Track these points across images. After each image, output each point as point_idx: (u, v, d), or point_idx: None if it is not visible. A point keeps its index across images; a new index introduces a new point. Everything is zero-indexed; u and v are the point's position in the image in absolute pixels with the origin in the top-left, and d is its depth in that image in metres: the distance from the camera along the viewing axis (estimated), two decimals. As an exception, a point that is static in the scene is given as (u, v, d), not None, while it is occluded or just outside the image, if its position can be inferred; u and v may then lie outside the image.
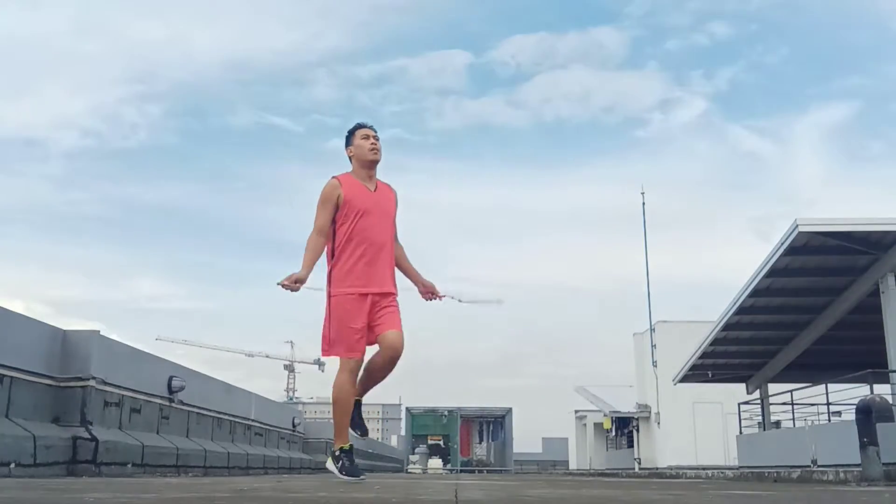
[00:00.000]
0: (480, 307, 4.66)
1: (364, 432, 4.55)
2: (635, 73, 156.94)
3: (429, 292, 4.66)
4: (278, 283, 4.18)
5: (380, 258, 4.39)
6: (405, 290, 4.60)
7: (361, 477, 4.36)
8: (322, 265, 4.41)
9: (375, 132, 4.54)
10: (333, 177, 4.45)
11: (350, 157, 4.54)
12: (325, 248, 4.43)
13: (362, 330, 4.30)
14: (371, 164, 4.50)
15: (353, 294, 4.30)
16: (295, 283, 4.20)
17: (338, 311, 4.31)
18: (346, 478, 4.27)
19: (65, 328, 7.55)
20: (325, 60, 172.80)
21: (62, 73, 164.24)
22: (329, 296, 4.37)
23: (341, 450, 4.38)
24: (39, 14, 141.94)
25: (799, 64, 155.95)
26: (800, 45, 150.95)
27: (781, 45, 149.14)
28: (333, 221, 4.38)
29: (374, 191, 4.49)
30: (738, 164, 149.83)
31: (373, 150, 4.47)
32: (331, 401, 4.44)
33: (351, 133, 4.57)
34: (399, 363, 4.40)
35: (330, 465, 4.45)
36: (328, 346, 4.35)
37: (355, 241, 4.34)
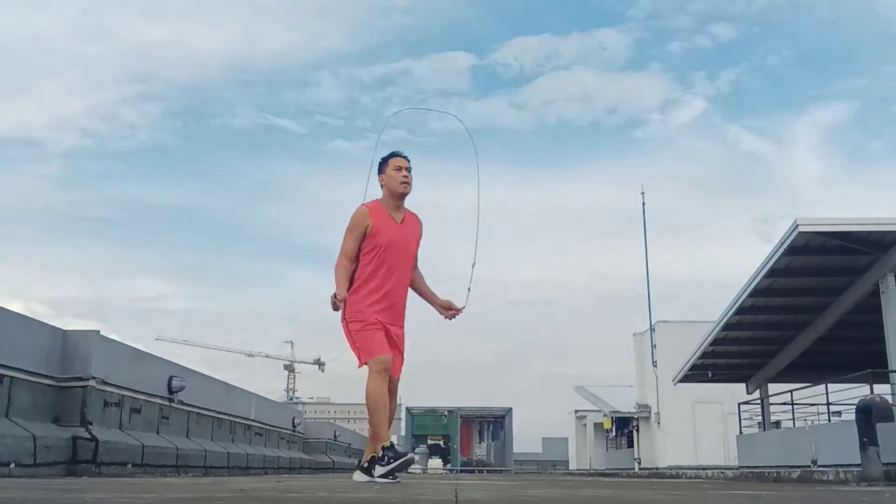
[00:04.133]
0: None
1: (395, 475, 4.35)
2: (638, 74, 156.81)
3: (448, 309, 4.69)
4: (334, 301, 4.25)
5: (396, 293, 4.49)
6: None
7: (409, 455, 4.35)
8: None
9: (409, 162, 4.58)
10: (364, 204, 4.51)
11: (381, 185, 4.58)
12: None
13: (383, 330, 4.35)
14: (400, 196, 4.55)
15: (366, 316, 4.37)
16: (340, 301, 4.28)
17: (355, 323, 4.37)
18: (395, 464, 4.22)
19: (65, 328, 7.55)
20: (328, 62, 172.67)
21: (62, 73, 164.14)
22: (344, 319, 4.41)
23: (383, 448, 4.35)
24: (39, 14, 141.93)
25: (800, 65, 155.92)
26: (801, 47, 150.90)
27: (783, 46, 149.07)
28: (358, 248, 4.45)
29: (401, 223, 4.54)
30: (738, 164, 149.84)
31: (404, 183, 4.53)
32: (365, 405, 4.42)
33: (384, 161, 4.61)
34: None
35: (358, 476, 4.42)
36: (360, 356, 4.38)
37: (376, 274, 4.41)
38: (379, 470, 4.33)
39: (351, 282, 4.46)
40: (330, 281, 4.45)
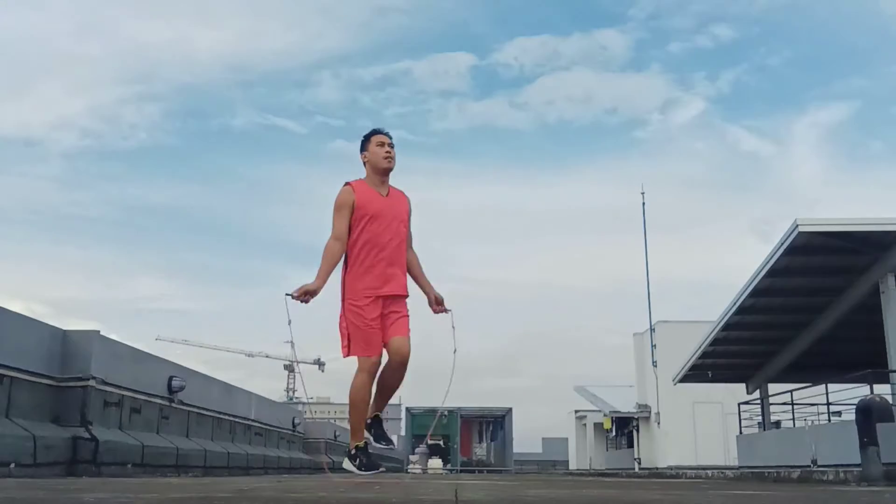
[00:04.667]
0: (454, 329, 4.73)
1: (389, 442, 4.59)
2: (638, 75, 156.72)
3: (438, 304, 4.69)
4: (288, 294, 4.18)
5: (391, 261, 4.43)
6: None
7: (381, 469, 4.39)
8: (335, 274, 4.42)
9: (391, 139, 4.58)
10: (346, 183, 4.49)
11: (364, 163, 4.58)
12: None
13: (377, 328, 4.33)
14: (384, 172, 4.54)
15: (368, 297, 4.34)
16: (305, 295, 4.19)
17: (352, 314, 4.36)
18: (365, 472, 4.28)
19: (65, 328, 7.55)
20: (328, 62, 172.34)
21: (62, 73, 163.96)
22: (343, 300, 4.40)
23: (357, 447, 4.41)
24: (40, 14, 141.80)
25: (800, 65, 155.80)
26: (801, 47, 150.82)
27: (783, 46, 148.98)
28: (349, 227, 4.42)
29: (387, 196, 4.52)
30: (738, 164, 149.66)
31: (387, 157, 4.51)
32: (347, 402, 4.46)
33: (366, 138, 4.59)
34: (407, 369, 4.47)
35: (347, 464, 4.47)
36: (347, 347, 4.37)
37: (367, 245, 4.39)
38: (348, 465, 4.44)
39: (347, 260, 4.45)
40: (329, 280, 4.40)
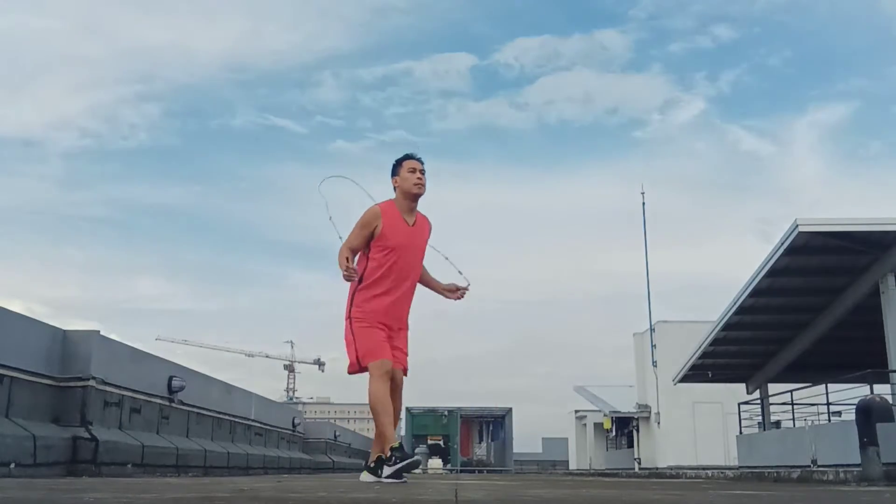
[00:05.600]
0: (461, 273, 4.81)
1: (401, 479, 4.36)
2: (639, 75, 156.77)
3: (452, 292, 4.78)
4: (345, 268, 4.28)
5: (402, 294, 4.55)
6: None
7: (417, 457, 4.45)
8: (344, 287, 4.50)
9: (423, 165, 4.67)
10: (377, 204, 4.58)
11: (395, 187, 4.66)
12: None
13: (385, 336, 4.38)
14: (414, 198, 4.63)
15: (375, 313, 4.44)
16: (352, 268, 4.31)
17: (359, 326, 4.41)
18: (402, 464, 4.28)
19: (65, 328, 7.54)
20: (328, 62, 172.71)
21: (62, 73, 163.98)
22: (348, 317, 4.45)
23: (392, 449, 4.41)
24: (39, 14, 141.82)
25: (800, 65, 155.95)
26: (801, 47, 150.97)
27: (783, 47, 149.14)
28: (367, 245, 4.52)
29: (413, 225, 4.61)
30: (738, 164, 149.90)
31: (417, 184, 4.61)
32: (370, 410, 4.45)
33: (398, 163, 4.70)
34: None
35: (366, 476, 4.47)
36: (357, 361, 4.40)
37: (384, 275, 4.47)
38: (386, 470, 4.40)
39: (361, 277, 4.50)
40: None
